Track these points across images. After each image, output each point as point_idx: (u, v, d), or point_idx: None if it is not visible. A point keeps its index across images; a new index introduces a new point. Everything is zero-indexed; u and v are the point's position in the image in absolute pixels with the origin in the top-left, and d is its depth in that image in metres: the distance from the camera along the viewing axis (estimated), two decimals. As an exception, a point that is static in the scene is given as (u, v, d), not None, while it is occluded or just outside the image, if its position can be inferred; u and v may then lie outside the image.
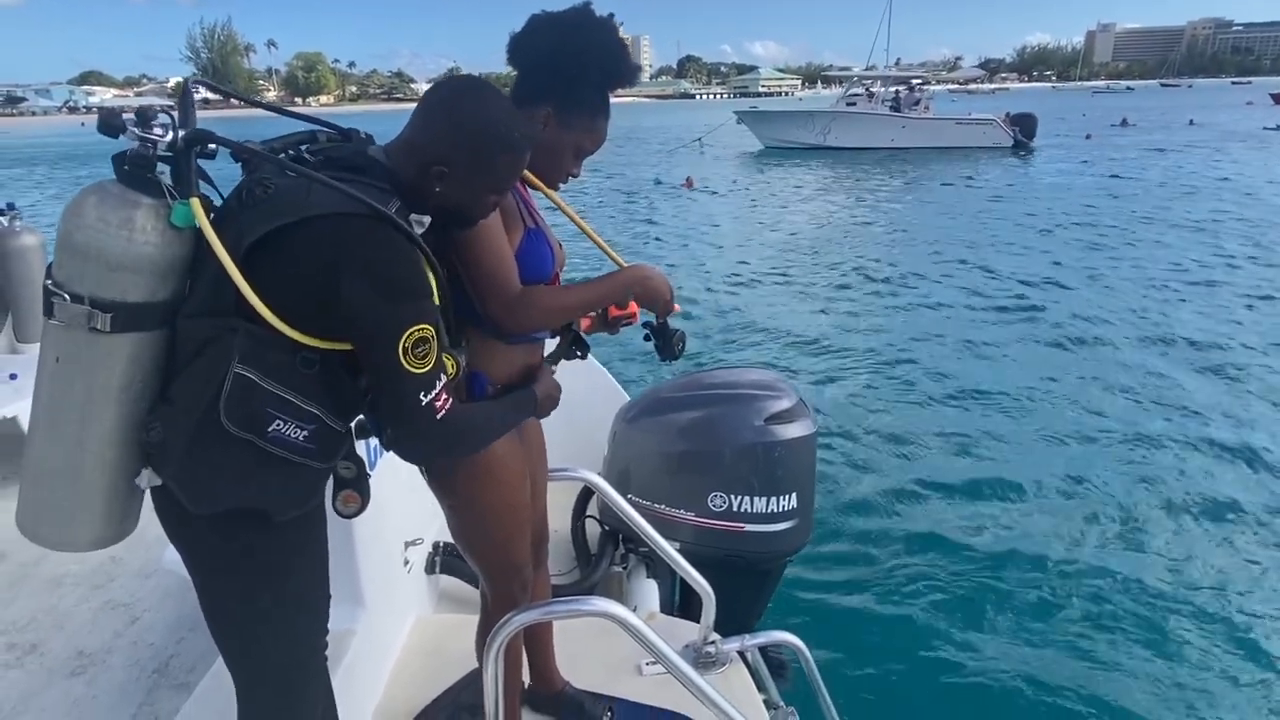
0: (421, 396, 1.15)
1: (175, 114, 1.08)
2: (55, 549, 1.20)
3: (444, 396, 1.18)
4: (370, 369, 1.16)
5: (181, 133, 1.06)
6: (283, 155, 1.17)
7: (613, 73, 1.45)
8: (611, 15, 1.46)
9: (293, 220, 1.06)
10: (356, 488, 1.32)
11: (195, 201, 1.05)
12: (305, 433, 1.12)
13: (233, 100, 1.61)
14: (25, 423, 3.20)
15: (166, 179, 1.07)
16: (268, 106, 1.55)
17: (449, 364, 1.25)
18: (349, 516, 1.31)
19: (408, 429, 1.20)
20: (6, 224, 3.71)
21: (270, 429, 1.10)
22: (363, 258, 1.08)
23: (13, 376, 3.24)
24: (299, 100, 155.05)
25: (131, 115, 1.05)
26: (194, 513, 1.14)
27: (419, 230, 1.17)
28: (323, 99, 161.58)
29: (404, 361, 1.12)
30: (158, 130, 1.05)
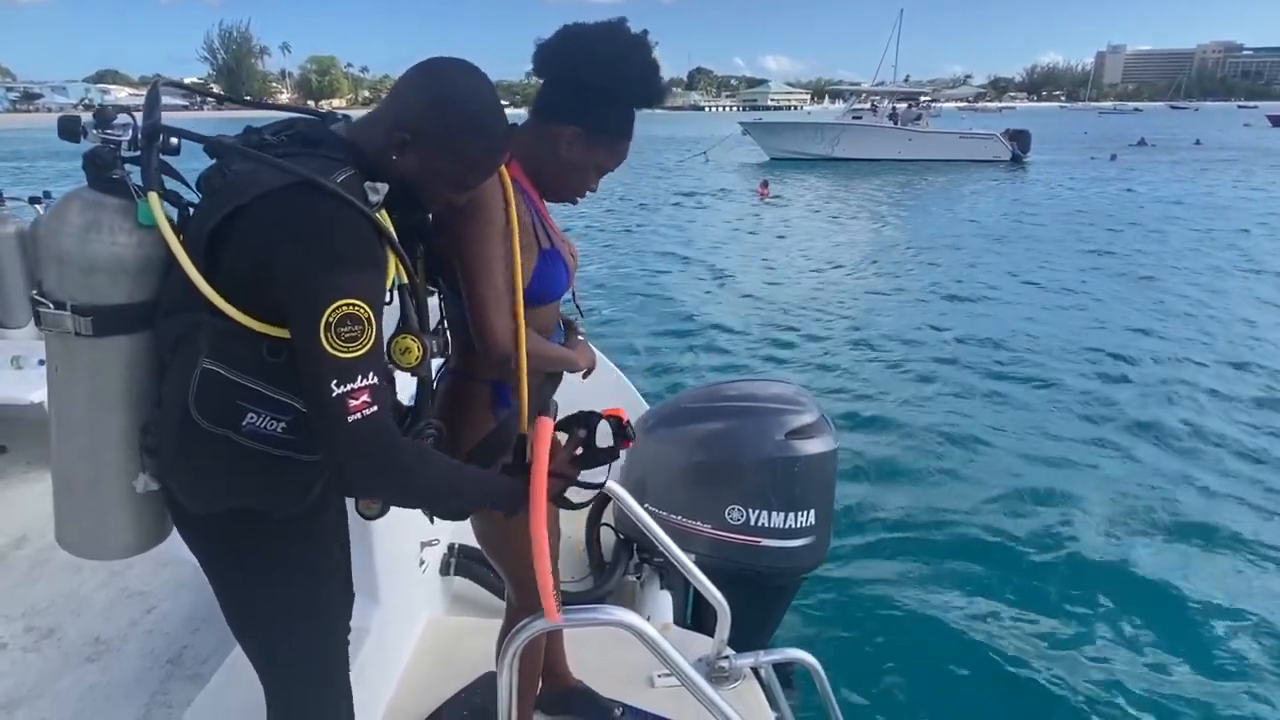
0: (333, 386, 0.99)
1: (138, 113, 1.07)
2: (90, 559, 1.20)
3: (364, 397, 1.00)
4: (297, 354, 1.02)
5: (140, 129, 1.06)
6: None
7: (647, 96, 1.40)
8: (645, 32, 1.40)
9: (244, 202, 1.02)
10: None
11: (153, 196, 1.03)
12: (282, 424, 1.08)
13: (246, 99, 1.62)
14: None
15: (138, 179, 1.06)
16: (246, 103, 1.54)
17: (408, 354, 1.14)
18: (371, 518, 1.29)
19: (317, 428, 1.03)
20: (43, 212, 3.73)
21: (244, 422, 1.07)
22: (297, 226, 1.01)
23: (42, 363, 3.25)
24: (311, 103, 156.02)
25: (90, 118, 1.04)
26: (193, 513, 1.14)
27: (374, 197, 1.08)
28: (335, 102, 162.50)
29: (323, 339, 0.98)
30: (118, 130, 1.04)
